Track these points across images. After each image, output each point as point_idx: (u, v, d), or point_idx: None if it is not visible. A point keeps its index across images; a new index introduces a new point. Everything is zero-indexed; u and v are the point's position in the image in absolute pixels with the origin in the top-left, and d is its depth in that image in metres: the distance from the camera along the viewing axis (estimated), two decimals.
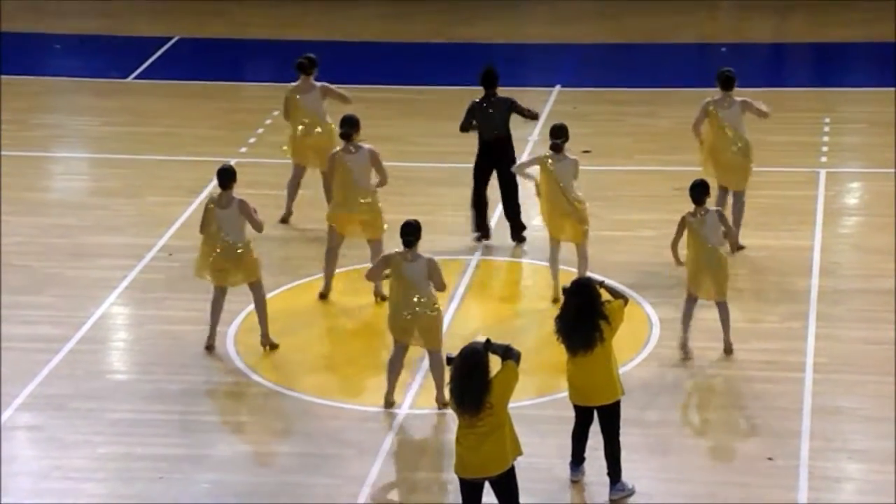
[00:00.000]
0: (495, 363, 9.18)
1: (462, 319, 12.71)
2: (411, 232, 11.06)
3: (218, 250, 12.04)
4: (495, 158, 13.72)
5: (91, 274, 13.70)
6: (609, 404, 10.07)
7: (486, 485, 9.35)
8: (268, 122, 17.32)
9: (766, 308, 12.76)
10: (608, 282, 10.19)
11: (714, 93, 13.68)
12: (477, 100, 13.73)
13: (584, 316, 9.85)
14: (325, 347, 12.37)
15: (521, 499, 9.90)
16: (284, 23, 20.97)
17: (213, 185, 15.62)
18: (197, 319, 12.80)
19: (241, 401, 11.61)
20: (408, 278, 11.07)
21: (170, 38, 20.39)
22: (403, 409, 11.42)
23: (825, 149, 16.18)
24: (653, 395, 11.54)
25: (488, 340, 9.16)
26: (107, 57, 19.97)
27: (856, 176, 15.77)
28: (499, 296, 13.37)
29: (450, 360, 9.15)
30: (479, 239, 13.95)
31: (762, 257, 13.81)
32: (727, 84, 13.47)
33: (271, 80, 18.75)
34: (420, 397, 11.60)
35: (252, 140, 16.85)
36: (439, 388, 11.24)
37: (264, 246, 13.89)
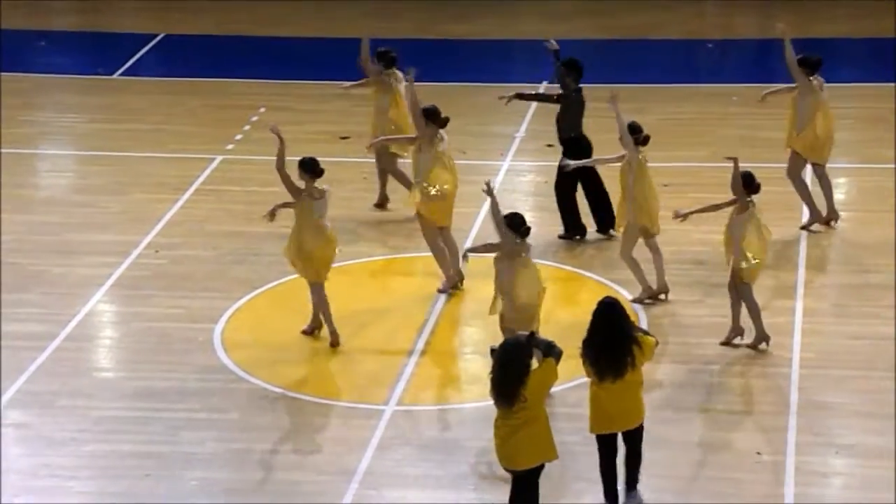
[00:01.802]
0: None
1: (453, 314, 12.71)
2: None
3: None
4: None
5: (77, 271, 13.66)
6: (635, 428, 9.84)
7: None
8: (254, 118, 17.29)
9: None
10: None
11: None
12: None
13: (614, 339, 9.56)
14: (313, 343, 12.35)
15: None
16: (271, 19, 20.95)
17: (199, 182, 15.65)
18: (183, 316, 12.78)
19: (229, 398, 11.59)
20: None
21: (156, 35, 20.35)
22: (391, 405, 11.41)
23: None
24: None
25: (532, 334, 9.18)
26: (92, 54, 19.92)
27: (842, 171, 15.79)
28: (488, 291, 13.33)
29: (493, 352, 9.15)
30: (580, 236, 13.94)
31: None
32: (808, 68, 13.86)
33: (258, 76, 18.74)
34: (407, 393, 11.60)
35: (239, 137, 16.81)
36: None
37: (260, 242, 13.90)
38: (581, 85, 13.98)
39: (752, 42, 19.88)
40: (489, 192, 10.97)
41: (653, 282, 12.71)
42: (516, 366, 9.05)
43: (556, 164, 13.88)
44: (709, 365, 11.91)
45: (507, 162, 15.97)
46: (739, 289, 11.90)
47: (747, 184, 11.76)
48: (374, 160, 14.85)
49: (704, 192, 13.72)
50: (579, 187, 13.99)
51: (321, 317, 12.16)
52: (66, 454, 10.86)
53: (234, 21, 20.94)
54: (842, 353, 12.03)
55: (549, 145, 15.63)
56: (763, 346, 12.02)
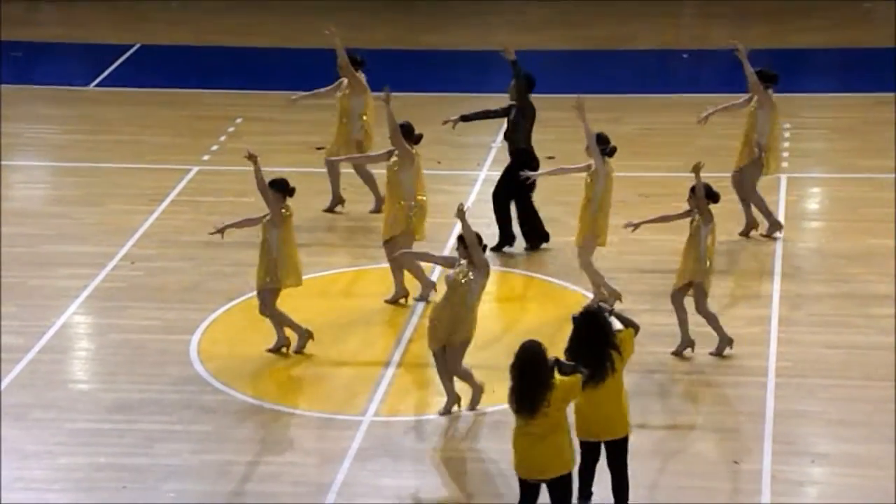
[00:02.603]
0: None
1: None
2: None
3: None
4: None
5: (52, 283, 13.61)
6: (619, 439, 9.81)
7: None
8: (230, 129, 17.28)
9: (729, 313, 12.81)
10: (617, 310, 10.08)
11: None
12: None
13: (593, 346, 9.58)
14: (288, 355, 12.32)
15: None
16: (246, 31, 20.94)
17: (175, 193, 15.61)
18: (159, 328, 12.75)
19: (204, 410, 11.56)
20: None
21: (131, 46, 20.31)
22: (368, 416, 11.40)
23: (786, 154, 16.28)
24: None
25: (557, 360, 9.17)
26: (67, 64, 19.86)
27: (816, 181, 15.90)
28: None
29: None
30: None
31: (724, 262, 13.87)
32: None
33: (233, 87, 18.73)
34: (384, 404, 11.59)
35: (215, 147, 16.79)
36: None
37: (236, 254, 13.88)
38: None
39: (728, 52, 19.95)
40: (461, 215, 10.99)
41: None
42: (538, 372, 9.04)
43: (531, 172, 13.86)
44: (685, 374, 11.94)
45: (484, 172, 15.99)
46: (699, 299, 11.94)
47: (710, 194, 11.85)
48: (349, 170, 14.91)
49: (681, 201, 13.74)
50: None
51: (291, 325, 12.19)
52: (42, 467, 10.82)
53: (210, 32, 20.93)
54: (817, 361, 12.09)
55: None
56: (728, 349, 12.06)
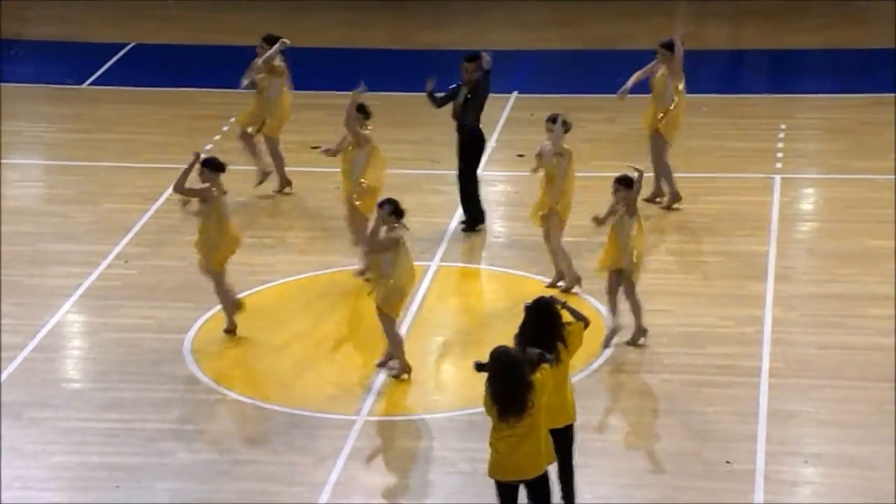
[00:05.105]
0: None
1: (421, 325, 12.72)
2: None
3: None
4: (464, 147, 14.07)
5: (46, 282, 13.62)
6: (561, 428, 9.81)
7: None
8: (224, 128, 17.28)
9: (722, 313, 12.84)
10: (569, 304, 10.11)
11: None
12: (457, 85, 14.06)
13: (542, 336, 9.59)
14: (284, 354, 12.35)
15: None
16: (241, 29, 20.92)
17: (169, 192, 15.61)
18: (153, 327, 12.76)
19: (199, 408, 11.57)
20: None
21: (125, 44, 20.31)
22: (362, 416, 11.42)
23: (780, 155, 16.31)
24: (609, 400, 11.59)
25: (523, 349, 9.15)
26: (62, 63, 19.86)
27: (811, 182, 15.91)
28: (457, 302, 13.40)
29: (480, 367, 9.06)
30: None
31: (718, 262, 13.91)
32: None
33: (227, 86, 18.70)
34: (378, 403, 11.61)
35: (209, 146, 16.78)
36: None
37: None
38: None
39: (723, 53, 19.98)
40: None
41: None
42: (519, 374, 9.02)
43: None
44: (677, 374, 11.96)
45: (479, 171, 15.96)
46: (627, 287, 12.00)
47: (629, 184, 11.96)
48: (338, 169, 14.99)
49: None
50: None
51: (227, 308, 12.35)
52: (36, 466, 10.82)
53: (205, 30, 20.92)
54: (810, 362, 12.11)
55: (521, 155, 15.68)
56: (642, 340, 12.08)
